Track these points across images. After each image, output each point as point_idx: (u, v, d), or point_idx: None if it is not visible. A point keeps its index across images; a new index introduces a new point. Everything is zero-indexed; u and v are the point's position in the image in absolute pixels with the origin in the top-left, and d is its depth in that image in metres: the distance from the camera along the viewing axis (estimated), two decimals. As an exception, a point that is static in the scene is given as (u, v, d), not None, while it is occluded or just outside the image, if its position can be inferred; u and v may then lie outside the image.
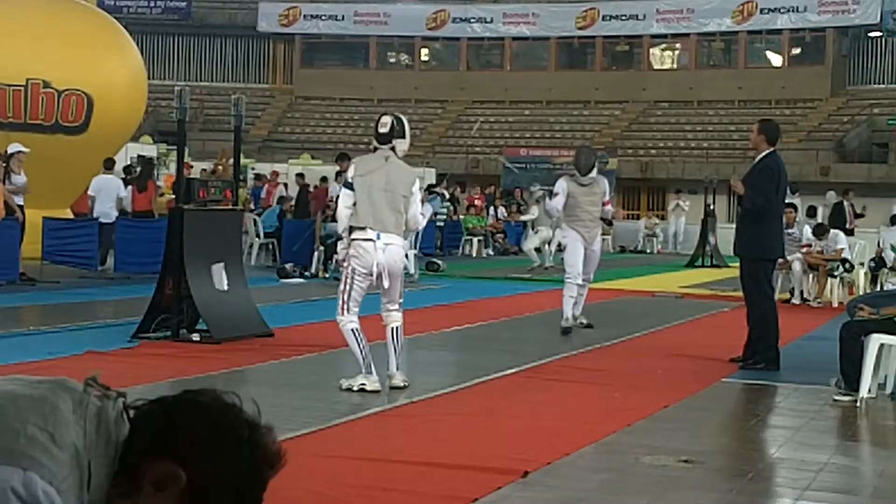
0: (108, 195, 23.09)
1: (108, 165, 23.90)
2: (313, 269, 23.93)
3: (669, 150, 54.14)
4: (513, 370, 12.01)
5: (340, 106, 61.72)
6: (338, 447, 8.07)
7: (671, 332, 16.62)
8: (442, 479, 7.24)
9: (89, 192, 24.79)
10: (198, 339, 13.17)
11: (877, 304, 11.62)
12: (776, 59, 58.71)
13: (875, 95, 54.72)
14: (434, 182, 40.06)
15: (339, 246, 11.09)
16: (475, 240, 36.00)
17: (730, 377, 12.15)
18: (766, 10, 56.99)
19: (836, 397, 10.80)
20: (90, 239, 22.08)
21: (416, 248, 25.07)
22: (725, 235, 38.43)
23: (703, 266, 32.99)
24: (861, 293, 19.46)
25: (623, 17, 59.26)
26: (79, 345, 12.47)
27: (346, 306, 10.66)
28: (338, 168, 24.13)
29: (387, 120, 10.79)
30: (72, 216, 25.75)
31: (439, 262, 27.76)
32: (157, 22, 62.75)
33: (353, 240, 10.62)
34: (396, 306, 10.88)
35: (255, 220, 27.29)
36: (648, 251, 43.18)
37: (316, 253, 24.11)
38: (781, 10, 56.62)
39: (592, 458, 8.13)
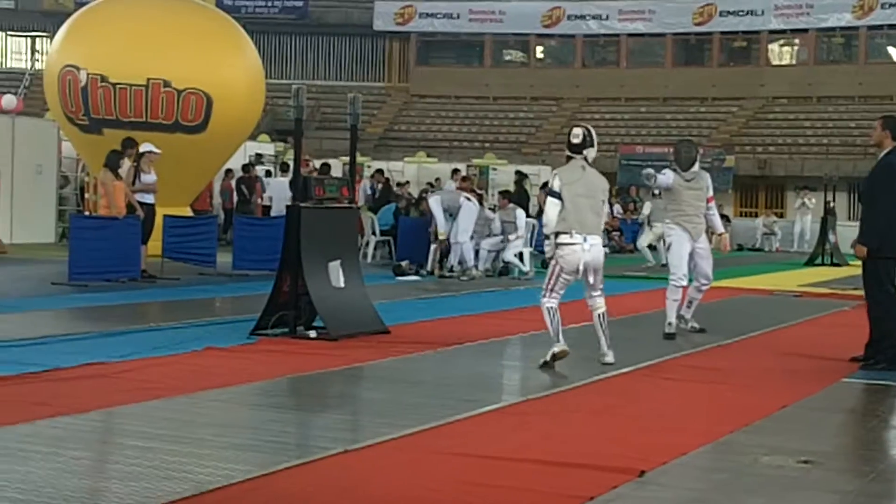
0: (284, 197, 23.48)
1: (284, 168, 24.23)
2: (429, 267, 24.00)
3: (788, 146, 53.52)
4: (629, 368, 11.96)
5: (456, 104, 61.81)
6: (454, 444, 8.09)
7: (790, 331, 16.43)
8: (557, 477, 7.23)
9: (266, 194, 25.12)
10: (314, 336, 13.27)
11: None
12: (897, 55, 57.88)
13: None
14: (548, 180, 40.01)
15: (546, 245, 12.34)
16: (591, 238, 35.84)
17: (850, 377, 11.99)
18: (886, 5, 56.09)
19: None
20: (209, 237, 22.35)
21: (531, 245, 25.05)
22: (846, 233, 38.02)
23: (822, 264, 32.60)
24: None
25: (741, 13, 58.68)
26: (199, 341, 12.63)
27: (548, 293, 12.17)
28: (458, 165, 24.62)
29: (578, 132, 12.09)
30: (192, 214, 26.11)
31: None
32: (275, 21, 63.29)
33: (561, 244, 11.95)
34: (599, 293, 12.25)
35: (371, 218, 27.43)
36: (766, 249, 42.75)
37: (431, 250, 24.18)
38: (903, 5, 55.78)
39: (709, 458, 8.08)
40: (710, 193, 15.56)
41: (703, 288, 15.66)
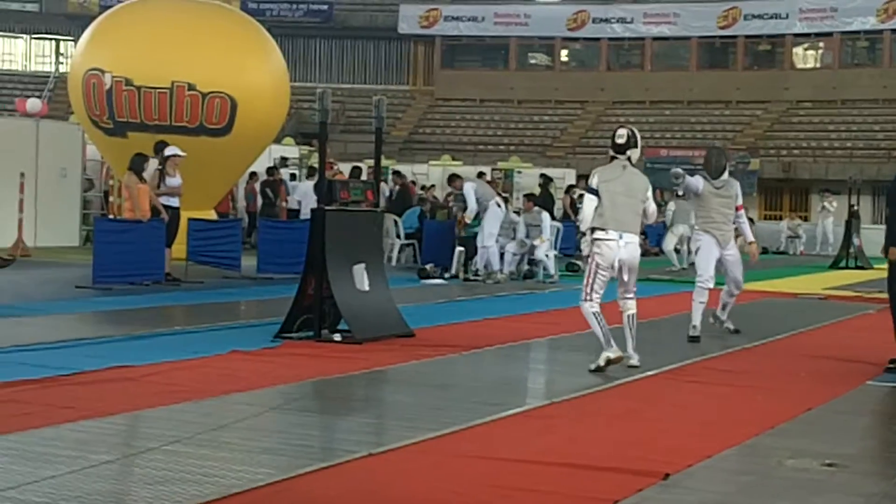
0: (313, 200, 23.53)
1: (312, 172, 24.30)
2: (453, 270, 24.00)
3: (812, 150, 53.43)
4: (654, 372, 11.95)
5: (480, 107, 61.86)
6: (478, 447, 8.09)
7: (815, 334, 16.39)
8: (582, 480, 7.23)
9: (295, 197, 25.06)
10: (339, 339, 13.28)
11: None
12: (922, 58, 57.71)
13: None
14: (574, 182, 39.97)
15: (583, 243, 12.62)
16: (615, 241, 35.74)
17: (875, 380, 11.95)
18: (911, 9, 56.05)
19: None
20: (233, 240, 22.41)
21: (556, 248, 25.04)
22: (870, 236, 37.91)
23: (847, 268, 32.50)
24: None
25: (765, 17, 58.63)
26: (223, 344, 12.65)
27: (590, 294, 12.10)
28: (454, 188, 24.62)
29: (623, 132, 12.41)
30: (216, 217, 26.15)
31: (579, 263, 27.65)
32: (300, 24, 63.44)
33: (597, 239, 12.08)
34: (632, 295, 12.39)
35: (395, 221, 27.46)
36: (791, 252, 42.64)
37: (456, 253, 24.18)
38: (927, 8, 55.66)
39: (734, 461, 8.07)
40: (740, 202, 15.55)
41: (735, 292, 15.71)
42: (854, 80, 56.49)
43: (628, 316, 12.39)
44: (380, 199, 15.22)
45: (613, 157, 12.41)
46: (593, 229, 12.14)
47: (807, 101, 57.30)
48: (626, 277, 12.29)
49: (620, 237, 12.08)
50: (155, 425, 8.56)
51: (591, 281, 12.12)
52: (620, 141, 12.34)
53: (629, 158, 12.31)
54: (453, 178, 24.36)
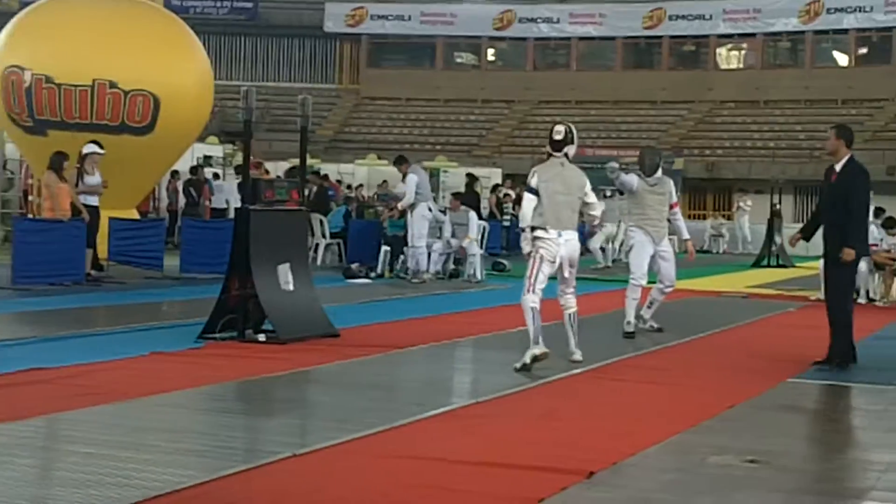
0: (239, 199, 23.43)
1: (239, 171, 24.18)
2: (379, 269, 23.96)
3: (736, 150, 53.85)
4: (578, 370, 11.98)
5: (407, 106, 61.81)
6: (403, 448, 8.07)
7: (737, 332, 16.52)
8: (507, 479, 7.23)
9: (223, 196, 24.84)
10: (263, 339, 13.22)
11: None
12: (843, 59, 58.29)
13: (942, 95, 54.18)
14: (500, 182, 40.06)
15: (522, 241, 12.52)
16: (540, 240, 35.82)
17: (796, 377, 12.06)
18: (832, 10, 56.59)
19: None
20: (156, 240, 22.25)
21: (482, 248, 25.05)
22: (791, 235, 38.27)
23: (769, 266, 32.77)
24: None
25: (690, 17, 59.03)
26: (145, 345, 12.53)
27: (532, 288, 12.24)
28: (401, 171, 24.03)
29: (561, 129, 12.59)
30: (138, 217, 25.94)
31: (505, 262, 27.73)
32: (224, 22, 63.10)
33: (538, 237, 12.26)
34: (572, 291, 12.65)
35: (321, 221, 27.36)
36: (714, 251, 42.95)
37: (382, 253, 24.14)
38: (848, 10, 56.23)
39: (658, 458, 8.10)
40: (674, 199, 15.83)
41: (667, 290, 15.88)
42: (776, 80, 56.99)
43: (569, 314, 12.62)
44: (304, 198, 15.13)
45: (551, 155, 12.58)
46: (534, 228, 12.30)
47: (730, 101, 57.76)
48: (566, 274, 12.48)
49: (559, 235, 12.28)
50: (75, 428, 8.46)
51: (534, 273, 12.27)
52: (558, 137, 12.51)
53: (566, 155, 12.50)
54: (401, 161, 23.85)
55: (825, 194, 13.25)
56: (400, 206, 23.59)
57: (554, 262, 12.29)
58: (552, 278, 12.43)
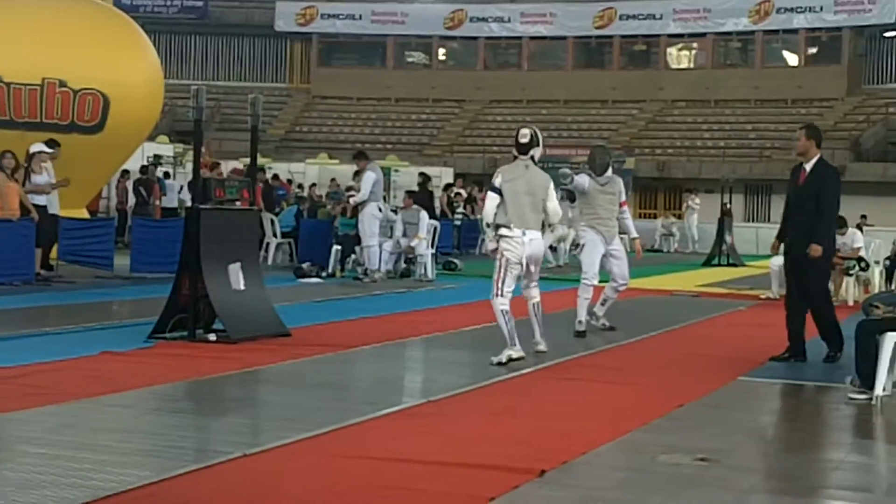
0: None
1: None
2: (330, 269, 23.92)
3: (686, 149, 54.09)
4: (530, 369, 12.00)
5: (357, 105, 61.75)
6: (354, 447, 8.06)
7: (688, 331, 16.59)
8: (459, 478, 7.23)
9: (180, 196, 24.56)
10: (214, 339, 13.18)
11: (892, 302, 11.59)
12: (792, 59, 58.64)
13: (891, 95, 54.57)
14: (451, 181, 40.08)
15: (487, 238, 12.93)
16: (492, 239, 35.83)
17: (747, 375, 12.12)
18: (782, 10, 56.94)
19: (852, 395, 10.76)
20: (106, 239, 22.14)
21: (433, 247, 25.05)
22: (742, 234, 38.51)
23: (719, 265, 32.92)
24: (876, 291, 19.42)
25: (640, 17, 59.24)
26: (94, 345, 12.47)
27: (500, 291, 12.59)
28: (356, 167, 23.95)
29: (526, 132, 12.81)
30: (87, 216, 25.80)
31: (456, 261, 27.75)
32: (174, 21, 62.83)
33: (503, 236, 12.55)
34: (535, 284, 13.06)
35: (272, 220, 27.30)
36: (665, 250, 43.11)
37: (333, 252, 24.10)
38: (798, 10, 56.58)
39: (609, 457, 8.12)
40: (624, 198, 15.93)
41: (620, 288, 16.01)
42: (727, 80, 57.30)
43: (533, 304, 13.02)
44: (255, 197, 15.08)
45: (516, 157, 12.82)
46: (498, 226, 12.57)
47: (681, 100, 58.01)
48: (532, 269, 12.86)
49: (524, 234, 12.54)
50: (24, 428, 8.41)
51: (501, 276, 12.59)
52: (524, 140, 12.73)
53: (532, 158, 12.74)
54: (361, 156, 23.69)
55: (794, 194, 13.34)
56: (353, 201, 23.52)
57: (520, 265, 12.57)
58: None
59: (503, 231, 12.55)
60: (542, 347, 12.91)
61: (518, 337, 12.42)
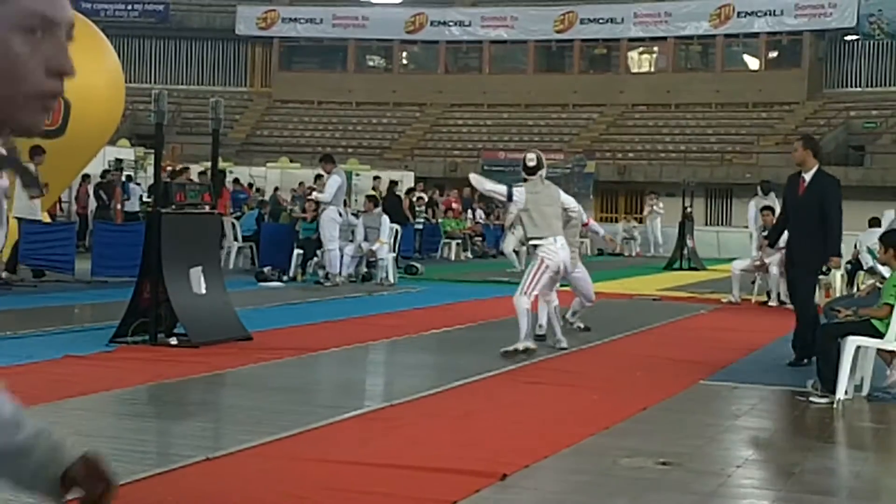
0: None
1: (173, 175, 24.02)
2: (291, 273, 23.90)
3: (647, 153, 54.23)
4: (491, 373, 12.02)
5: (318, 109, 61.68)
6: (316, 450, 8.07)
7: (649, 335, 16.64)
8: (420, 481, 7.25)
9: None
10: (175, 343, 13.15)
11: (854, 306, 11.69)
12: (753, 63, 58.88)
13: (851, 99, 54.94)
14: (412, 185, 40.10)
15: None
16: (453, 243, 35.97)
17: (708, 379, 12.18)
18: (743, 14, 57.17)
19: (813, 399, 10.84)
20: (67, 243, 22.04)
21: (394, 251, 25.06)
22: (703, 238, 38.63)
23: (680, 269, 33.00)
24: (838, 295, 19.52)
25: (601, 21, 59.36)
26: (56, 349, 12.43)
27: (528, 291, 13.50)
28: (321, 171, 23.92)
29: (532, 156, 14.13)
30: (48, 220, 25.67)
31: (418, 265, 27.76)
32: (135, 25, 62.61)
33: (539, 246, 13.58)
34: (555, 289, 14.29)
35: (233, 224, 27.25)
36: (626, 254, 43.20)
37: (294, 256, 24.08)
38: (758, 14, 56.81)
39: (570, 461, 8.15)
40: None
41: (588, 305, 16.19)
42: (687, 83, 57.47)
43: (553, 307, 14.29)
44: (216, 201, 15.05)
45: (526, 179, 13.89)
46: (532, 242, 13.71)
47: (642, 104, 58.17)
48: (563, 274, 14.18)
49: (555, 240, 13.58)
50: (-15, 432, 8.36)
51: (535, 280, 13.52)
52: (531, 164, 13.93)
53: (540, 177, 13.90)
54: (327, 160, 23.61)
55: (792, 203, 13.51)
56: (316, 195, 23.46)
57: (557, 273, 13.75)
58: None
59: (538, 243, 13.57)
60: (563, 344, 14.00)
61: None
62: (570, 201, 14.40)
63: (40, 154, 21.10)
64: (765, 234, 21.62)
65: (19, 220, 20.97)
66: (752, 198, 26.55)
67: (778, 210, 23.01)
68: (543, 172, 13.99)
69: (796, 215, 13.33)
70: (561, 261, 13.61)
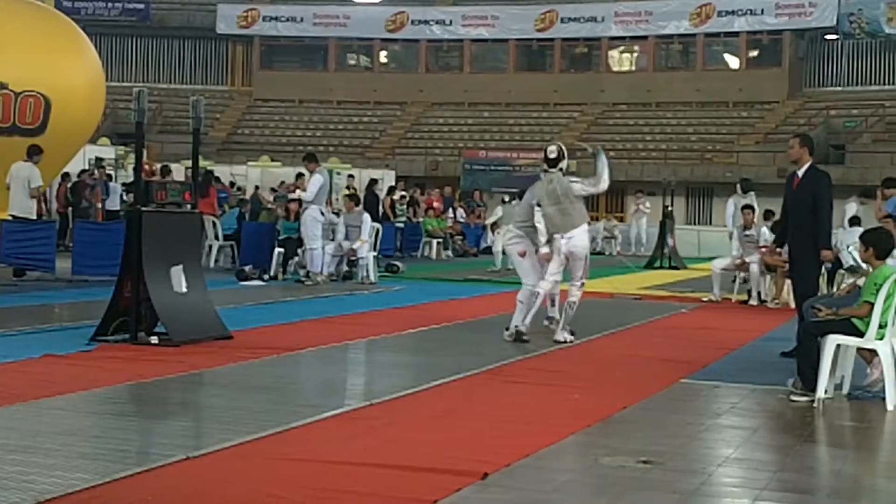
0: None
1: (164, 173, 23.94)
2: (272, 272, 23.87)
3: (628, 151, 54.24)
4: (472, 372, 12.01)
5: (300, 108, 61.63)
6: (297, 450, 8.06)
7: (630, 333, 16.65)
8: (401, 481, 7.24)
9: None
10: (156, 341, 13.12)
11: (834, 304, 11.71)
12: (734, 62, 58.95)
13: (831, 98, 55.05)
14: (393, 184, 40.10)
15: (544, 248, 14.71)
16: (434, 242, 35.96)
17: (688, 378, 12.19)
18: (723, 13, 57.25)
19: (794, 398, 10.87)
20: (48, 242, 21.99)
21: (375, 250, 25.04)
22: (684, 237, 38.68)
23: (661, 268, 33.03)
24: (818, 294, 19.55)
25: (582, 20, 59.39)
26: (36, 348, 12.39)
27: (549, 279, 14.70)
28: (304, 170, 23.93)
29: (553, 148, 14.65)
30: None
31: (398, 263, 27.75)
32: (116, 23, 62.46)
33: (554, 240, 14.44)
34: (579, 283, 14.78)
35: (214, 223, 27.20)
36: (607, 253, 43.21)
37: (275, 255, 24.06)
38: (739, 13, 56.90)
39: (552, 460, 8.15)
40: None
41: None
42: (668, 82, 57.57)
43: (570, 301, 14.74)
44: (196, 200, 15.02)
45: (546, 171, 14.49)
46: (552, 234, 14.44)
47: (622, 103, 58.21)
48: (574, 264, 14.64)
49: (563, 236, 14.40)
50: (-35, 432, 8.35)
51: (551, 268, 14.60)
52: (552, 156, 14.44)
53: (561, 170, 14.44)
54: (310, 158, 23.58)
55: (789, 199, 13.69)
56: (299, 193, 23.42)
57: (568, 259, 14.53)
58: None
59: (556, 236, 14.42)
60: (559, 338, 14.55)
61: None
62: (578, 188, 14.61)
63: (38, 153, 21.12)
64: (746, 233, 21.72)
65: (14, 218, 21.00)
66: (731, 196, 26.59)
67: (757, 208, 23.17)
68: (565, 164, 14.47)
69: (793, 210, 13.52)
70: (574, 246, 14.36)
